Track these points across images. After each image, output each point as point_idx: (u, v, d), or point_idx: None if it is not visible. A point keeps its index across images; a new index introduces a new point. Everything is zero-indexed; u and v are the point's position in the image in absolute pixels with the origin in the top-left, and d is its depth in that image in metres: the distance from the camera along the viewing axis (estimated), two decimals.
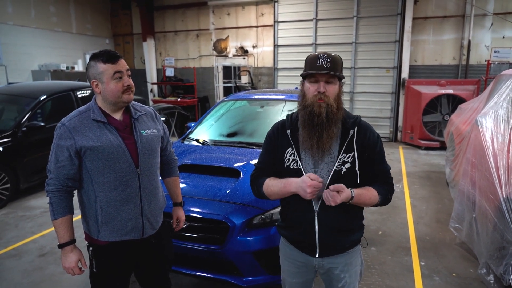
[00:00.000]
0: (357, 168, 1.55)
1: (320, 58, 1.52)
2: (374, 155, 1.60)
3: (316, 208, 1.58)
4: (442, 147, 7.50)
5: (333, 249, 1.63)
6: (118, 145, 1.68)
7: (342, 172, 1.55)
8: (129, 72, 1.73)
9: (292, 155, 1.61)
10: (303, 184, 1.48)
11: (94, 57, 1.67)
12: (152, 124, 1.86)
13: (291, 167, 1.60)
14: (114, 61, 1.64)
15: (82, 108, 1.75)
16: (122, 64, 1.67)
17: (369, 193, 1.57)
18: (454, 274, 3.09)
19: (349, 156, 1.55)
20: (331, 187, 1.49)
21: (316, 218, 1.58)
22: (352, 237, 1.65)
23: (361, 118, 1.67)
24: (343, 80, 1.62)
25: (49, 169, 1.68)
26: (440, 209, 4.54)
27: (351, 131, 1.58)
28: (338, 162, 1.55)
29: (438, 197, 4.96)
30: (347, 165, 1.55)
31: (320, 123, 1.51)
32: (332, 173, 1.55)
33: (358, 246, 1.71)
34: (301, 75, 1.62)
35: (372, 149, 1.59)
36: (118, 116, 1.75)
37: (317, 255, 1.63)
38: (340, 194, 1.47)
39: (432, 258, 3.37)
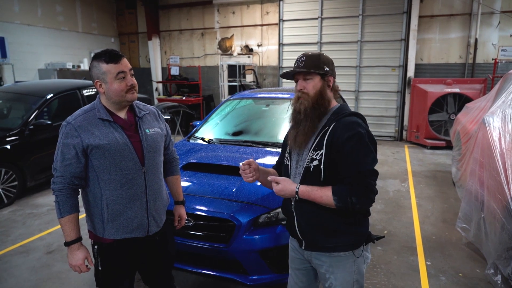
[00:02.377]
0: (321, 167, 1.52)
1: (297, 60, 1.63)
2: (343, 154, 1.49)
3: (292, 201, 1.65)
4: (448, 146, 7.45)
5: (314, 245, 1.64)
6: (124, 143, 1.69)
7: (311, 169, 1.56)
8: (132, 71, 1.73)
9: (287, 152, 1.73)
10: None
11: (96, 57, 1.67)
12: (155, 123, 1.89)
13: (285, 163, 1.74)
14: (116, 61, 1.64)
15: (86, 107, 1.76)
16: (125, 64, 1.67)
17: (320, 192, 1.50)
18: (460, 274, 3.07)
19: (318, 153, 1.54)
20: (269, 178, 1.61)
21: (294, 211, 1.65)
22: (336, 240, 1.58)
23: (353, 115, 1.58)
24: (328, 75, 1.60)
25: (55, 168, 1.68)
26: (446, 209, 4.51)
27: (326, 128, 1.56)
28: (307, 159, 1.57)
29: (444, 197, 4.93)
30: (315, 163, 1.54)
31: (300, 120, 1.60)
32: (303, 170, 1.59)
33: (349, 253, 1.61)
34: (280, 76, 1.77)
35: (340, 148, 1.49)
36: (123, 114, 1.76)
37: (303, 247, 1.68)
38: (277, 184, 1.57)
39: (438, 258, 3.35)
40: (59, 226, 4.10)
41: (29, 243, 3.76)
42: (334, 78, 1.65)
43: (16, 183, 4.83)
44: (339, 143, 1.50)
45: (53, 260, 3.39)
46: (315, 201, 1.53)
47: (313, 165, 1.55)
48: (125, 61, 1.68)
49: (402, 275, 3.07)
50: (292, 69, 1.64)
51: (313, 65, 1.58)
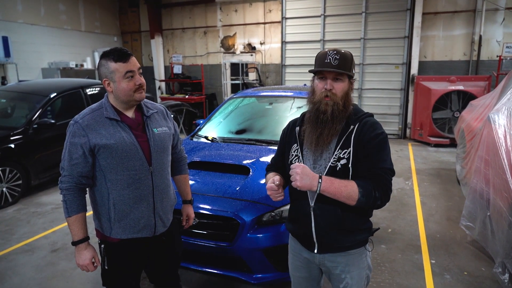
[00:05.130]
0: (350, 165, 1.50)
1: (328, 55, 1.53)
2: (367, 151, 1.50)
3: (311, 203, 1.57)
4: (452, 144, 7.41)
5: (331, 246, 1.60)
6: (131, 143, 1.69)
7: (337, 168, 1.51)
8: (141, 70, 1.72)
9: (296, 151, 1.65)
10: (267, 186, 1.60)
11: (104, 56, 1.66)
12: (163, 122, 1.87)
13: (293, 162, 1.63)
14: (125, 60, 1.63)
15: (94, 105, 1.75)
16: (133, 63, 1.66)
17: (344, 183, 1.44)
18: (465, 273, 3.05)
19: (345, 152, 1.51)
20: (292, 166, 1.49)
21: (312, 213, 1.58)
22: (353, 237, 1.58)
23: (372, 117, 1.61)
24: (354, 78, 1.61)
25: (62, 167, 1.68)
26: (451, 207, 4.49)
27: (351, 127, 1.54)
28: (334, 158, 1.53)
29: (448, 195, 4.91)
30: (343, 161, 1.51)
31: (325, 120, 1.53)
32: (327, 169, 1.53)
33: (362, 248, 1.63)
34: (309, 71, 1.65)
35: (366, 145, 1.50)
36: (130, 114, 1.75)
37: (315, 251, 1.63)
38: (297, 174, 1.43)
39: (443, 256, 3.33)
40: (63, 224, 4.13)
41: (33, 241, 3.78)
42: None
43: (20, 182, 4.85)
44: (365, 140, 1.51)
45: (57, 259, 3.41)
46: (336, 193, 1.44)
47: (341, 164, 1.52)
48: (133, 60, 1.66)
49: (407, 273, 3.06)
50: (319, 65, 1.54)
51: (347, 66, 1.53)
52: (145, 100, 1.84)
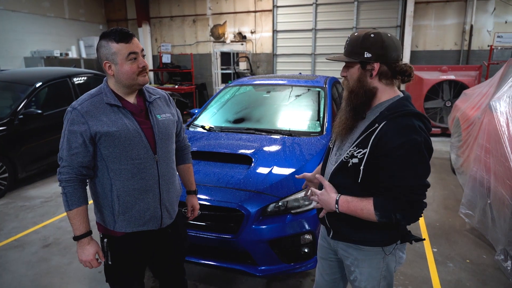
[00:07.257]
0: (361, 167, 1.36)
1: (346, 42, 1.48)
2: (389, 164, 1.30)
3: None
4: (444, 133, 7.48)
5: (341, 235, 1.54)
6: (135, 130, 1.57)
7: (349, 165, 1.41)
8: (144, 52, 1.60)
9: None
10: None
11: (105, 36, 1.53)
12: (166, 108, 1.76)
13: (329, 145, 1.66)
14: (127, 40, 1.51)
15: (93, 91, 1.63)
16: (136, 44, 1.55)
17: (361, 204, 1.35)
18: (467, 260, 3.06)
19: (360, 152, 1.37)
20: (318, 191, 1.52)
21: None
22: (363, 234, 1.47)
23: (412, 116, 1.33)
24: (372, 61, 1.35)
25: (61, 157, 1.55)
26: (447, 195, 4.51)
27: (376, 125, 1.36)
28: (347, 153, 1.43)
29: (443, 184, 4.93)
30: (354, 160, 1.39)
31: (342, 107, 1.51)
32: (338, 162, 1.47)
33: (379, 249, 1.48)
34: (326, 58, 1.62)
35: (385, 154, 1.30)
36: (132, 99, 1.63)
37: (330, 236, 1.59)
38: (320, 195, 1.48)
39: (444, 244, 3.33)
40: (54, 218, 3.98)
41: (23, 236, 3.62)
42: (386, 63, 1.37)
43: (6, 175, 4.65)
44: (387, 148, 1.29)
45: (50, 254, 3.27)
46: (352, 214, 1.39)
47: (352, 162, 1.39)
48: (136, 41, 1.55)
49: (410, 262, 3.04)
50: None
51: (351, 51, 1.39)
52: (147, 85, 1.73)
